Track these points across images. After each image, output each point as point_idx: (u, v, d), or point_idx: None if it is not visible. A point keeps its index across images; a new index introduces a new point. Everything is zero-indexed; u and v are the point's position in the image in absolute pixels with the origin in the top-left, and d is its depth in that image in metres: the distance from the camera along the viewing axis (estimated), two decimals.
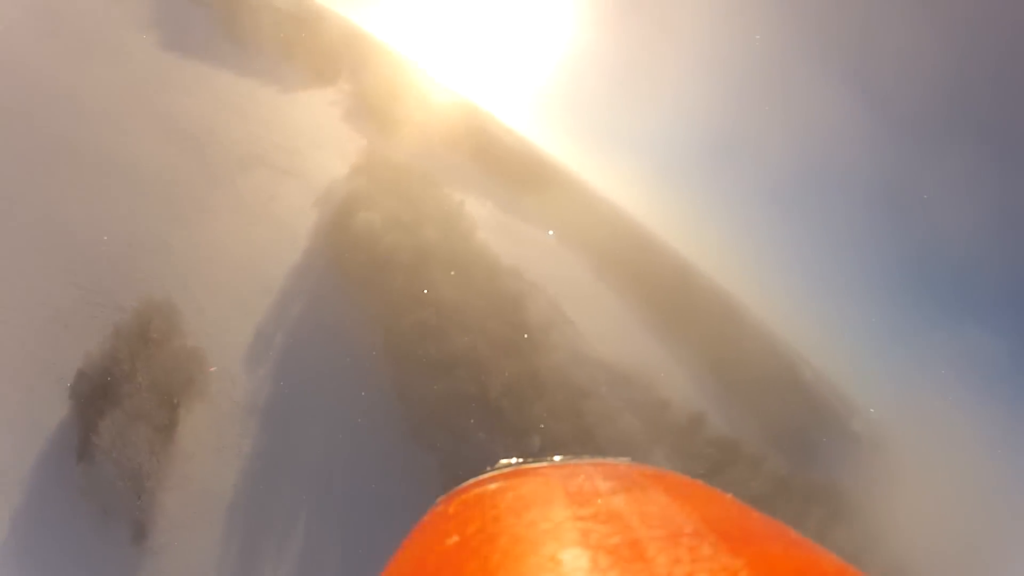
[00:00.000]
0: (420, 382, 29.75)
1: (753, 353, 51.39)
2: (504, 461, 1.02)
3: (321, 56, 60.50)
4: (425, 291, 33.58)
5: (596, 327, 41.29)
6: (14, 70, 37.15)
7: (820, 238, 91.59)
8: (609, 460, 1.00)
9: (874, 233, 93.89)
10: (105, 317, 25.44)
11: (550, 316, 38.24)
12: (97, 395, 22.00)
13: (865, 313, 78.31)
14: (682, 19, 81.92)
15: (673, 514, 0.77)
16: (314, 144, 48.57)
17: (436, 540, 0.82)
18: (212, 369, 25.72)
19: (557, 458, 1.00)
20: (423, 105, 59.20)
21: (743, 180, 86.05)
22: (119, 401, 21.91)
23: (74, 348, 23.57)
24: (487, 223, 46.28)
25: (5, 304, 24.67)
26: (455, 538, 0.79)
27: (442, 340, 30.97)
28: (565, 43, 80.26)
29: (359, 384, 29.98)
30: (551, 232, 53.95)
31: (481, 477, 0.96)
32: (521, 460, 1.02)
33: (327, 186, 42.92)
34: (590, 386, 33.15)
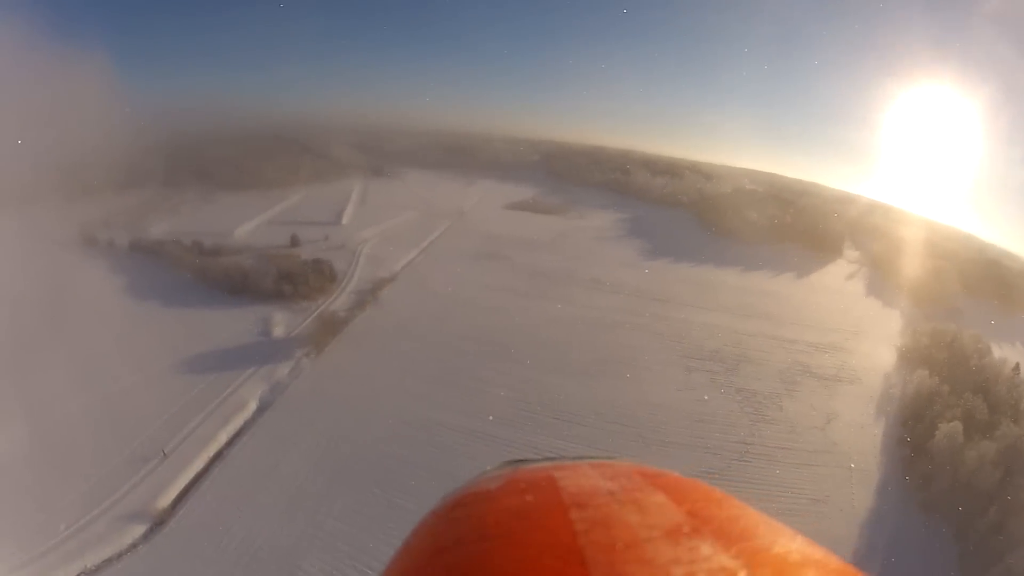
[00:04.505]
0: None
1: None
2: (504, 461, 1.00)
3: (815, 230, 53.71)
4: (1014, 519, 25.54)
5: None
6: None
7: None
8: (609, 460, 0.96)
9: None
10: None
11: None
12: None
13: None
14: None
15: (672, 514, 0.75)
16: (852, 333, 40.15)
17: (436, 541, 0.81)
18: None
19: (557, 458, 0.97)
20: (938, 253, 49.89)
21: None
22: None
23: None
24: None
25: None
26: (455, 539, 0.78)
27: None
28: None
29: None
30: None
31: (481, 477, 0.95)
32: (521, 460, 0.99)
33: (882, 387, 34.72)
34: None
